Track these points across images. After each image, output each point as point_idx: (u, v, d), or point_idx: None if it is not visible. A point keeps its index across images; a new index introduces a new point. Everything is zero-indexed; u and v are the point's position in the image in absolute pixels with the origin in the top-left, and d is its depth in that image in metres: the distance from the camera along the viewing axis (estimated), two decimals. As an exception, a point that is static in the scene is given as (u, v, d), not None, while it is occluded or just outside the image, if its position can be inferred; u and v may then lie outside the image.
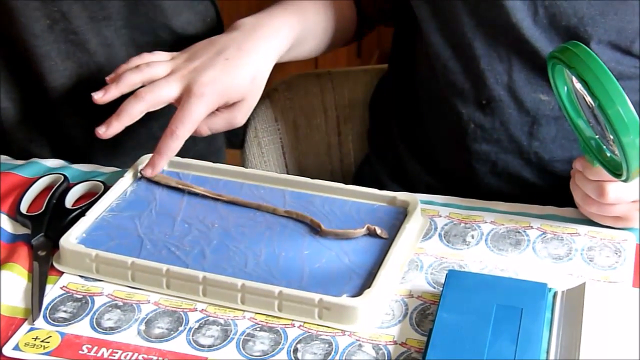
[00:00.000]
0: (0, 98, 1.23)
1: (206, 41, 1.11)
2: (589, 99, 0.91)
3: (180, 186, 1.07)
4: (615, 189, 0.96)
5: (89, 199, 1.07)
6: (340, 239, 0.99)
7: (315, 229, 1.01)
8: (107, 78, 1.08)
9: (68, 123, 1.26)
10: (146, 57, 1.09)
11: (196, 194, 1.06)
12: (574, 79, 0.93)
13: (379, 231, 0.99)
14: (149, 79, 1.07)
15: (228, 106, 1.08)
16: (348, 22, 1.25)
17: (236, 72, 1.07)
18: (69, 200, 1.08)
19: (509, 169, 1.18)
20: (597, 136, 0.96)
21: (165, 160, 1.07)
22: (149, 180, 1.08)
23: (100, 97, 1.06)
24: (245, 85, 1.08)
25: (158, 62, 1.09)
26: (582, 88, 0.92)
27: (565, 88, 0.97)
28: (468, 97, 1.15)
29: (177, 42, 1.20)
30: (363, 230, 0.99)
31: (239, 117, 1.10)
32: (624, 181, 0.92)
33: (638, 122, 0.87)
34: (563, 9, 1.07)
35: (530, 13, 1.08)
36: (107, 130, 1.05)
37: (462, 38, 1.13)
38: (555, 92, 0.98)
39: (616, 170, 0.93)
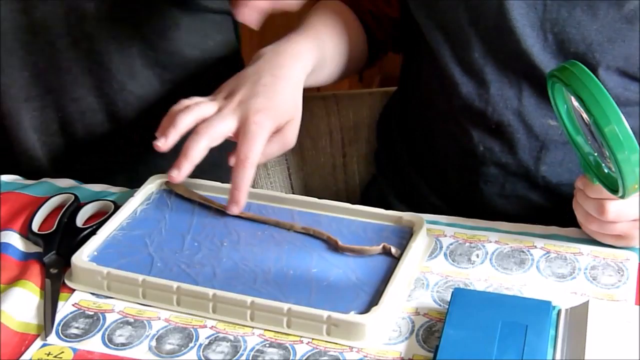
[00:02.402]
0: (21, 113, 1.25)
1: (234, 78, 1.11)
2: (585, 116, 0.93)
3: (202, 201, 1.09)
4: (616, 207, 0.97)
5: (100, 218, 1.09)
6: (356, 255, 1.01)
7: (332, 246, 1.02)
8: (158, 129, 1.06)
9: (82, 137, 1.28)
10: (186, 102, 1.08)
11: (206, 213, 1.08)
12: (572, 97, 0.95)
13: (393, 250, 1.01)
14: (200, 118, 1.06)
15: (278, 130, 1.08)
16: (361, 46, 1.26)
17: (278, 96, 1.08)
18: (80, 219, 1.09)
19: (516, 192, 1.19)
20: (596, 153, 0.98)
21: (245, 193, 1.06)
22: (160, 199, 1.10)
23: (163, 143, 1.04)
24: (290, 105, 1.09)
25: (203, 101, 1.08)
26: (579, 106, 0.93)
27: (565, 106, 0.99)
28: (478, 121, 1.17)
29: (200, 64, 1.22)
30: (379, 248, 1.01)
31: (290, 138, 1.09)
32: (621, 197, 0.93)
33: (633, 139, 0.89)
34: (572, 36, 1.09)
35: (539, 40, 1.10)
36: (180, 173, 1.03)
37: (473, 63, 1.15)
38: (555, 109, 0.99)
39: (613, 187, 0.95)
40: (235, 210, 1.07)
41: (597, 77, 0.91)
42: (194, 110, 1.06)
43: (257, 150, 1.05)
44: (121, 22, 1.20)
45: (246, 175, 1.04)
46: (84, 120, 1.27)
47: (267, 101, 1.07)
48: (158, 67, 1.25)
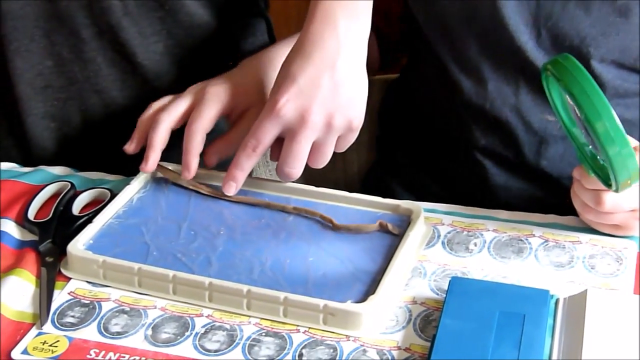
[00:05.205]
0: (36, 99, 1.24)
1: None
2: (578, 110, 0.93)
3: (190, 187, 1.09)
4: (612, 198, 0.97)
5: (96, 206, 1.08)
6: (353, 233, 1.01)
7: (327, 227, 1.02)
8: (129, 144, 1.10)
9: (103, 129, 1.27)
10: (165, 99, 1.12)
11: (202, 201, 1.07)
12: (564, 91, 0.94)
13: (390, 227, 1.00)
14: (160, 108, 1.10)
15: (239, 119, 1.09)
16: (372, 51, 1.25)
17: (240, 80, 1.10)
18: (76, 208, 1.09)
19: (518, 186, 1.19)
20: (590, 146, 0.97)
21: (196, 157, 1.07)
22: (156, 187, 1.10)
23: (129, 146, 1.09)
24: (251, 90, 1.10)
25: (169, 97, 1.11)
26: (571, 100, 0.93)
27: (561, 98, 0.98)
28: (478, 116, 1.16)
29: (228, 63, 1.21)
30: (375, 226, 1.01)
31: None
32: (615, 191, 0.93)
33: (623, 134, 0.88)
34: (565, 31, 1.09)
35: (533, 36, 1.10)
36: (148, 164, 1.07)
37: (470, 61, 1.14)
38: (550, 101, 0.99)
39: (608, 180, 0.94)
40: (186, 175, 1.07)
41: (592, 69, 0.89)
42: (155, 107, 1.10)
43: (207, 115, 1.06)
44: (146, 17, 1.19)
45: (195, 138, 1.06)
46: (106, 113, 1.26)
47: (226, 83, 1.09)
48: (186, 65, 1.24)
